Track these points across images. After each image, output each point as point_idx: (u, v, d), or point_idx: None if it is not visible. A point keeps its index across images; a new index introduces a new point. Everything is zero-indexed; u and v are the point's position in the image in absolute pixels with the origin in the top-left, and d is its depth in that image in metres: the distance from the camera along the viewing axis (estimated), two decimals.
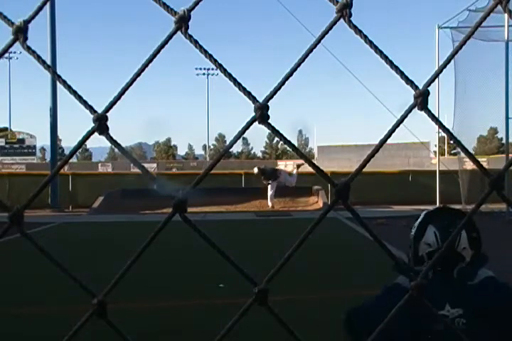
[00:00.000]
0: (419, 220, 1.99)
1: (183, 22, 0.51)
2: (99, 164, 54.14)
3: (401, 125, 0.53)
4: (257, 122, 0.52)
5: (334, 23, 0.51)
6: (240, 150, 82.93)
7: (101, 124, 0.51)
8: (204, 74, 69.99)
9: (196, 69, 69.94)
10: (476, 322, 1.86)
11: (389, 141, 0.55)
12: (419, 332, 1.87)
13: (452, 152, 42.30)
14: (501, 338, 1.88)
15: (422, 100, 0.52)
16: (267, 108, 0.51)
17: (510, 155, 12.26)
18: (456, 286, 1.92)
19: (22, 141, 45.94)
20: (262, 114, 0.51)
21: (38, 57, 0.52)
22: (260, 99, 0.52)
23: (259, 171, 15.82)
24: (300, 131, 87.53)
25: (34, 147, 47.08)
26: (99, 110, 0.52)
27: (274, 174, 15.78)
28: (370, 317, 1.94)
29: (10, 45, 0.52)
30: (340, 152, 40.67)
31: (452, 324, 1.81)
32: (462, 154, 12.99)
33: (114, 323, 0.54)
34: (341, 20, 0.51)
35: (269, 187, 15.61)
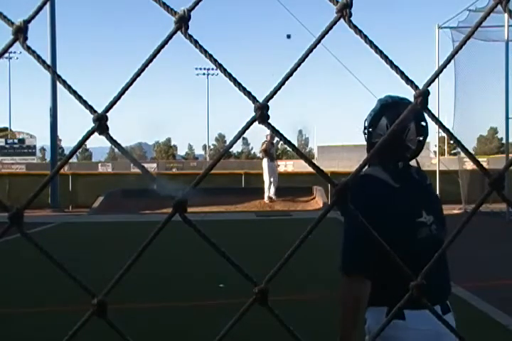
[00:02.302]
0: (375, 109, 2.10)
1: (183, 22, 0.51)
2: (99, 164, 54.12)
3: None
4: (257, 122, 0.52)
5: (334, 23, 0.51)
6: (240, 150, 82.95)
7: (101, 124, 0.51)
8: (204, 74, 70.08)
9: (196, 69, 70.07)
10: (440, 224, 2.03)
11: None
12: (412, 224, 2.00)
13: (452, 152, 42.27)
14: None
15: (422, 100, 0.52)
16: (267, 108, 0.51)
17: (510, 155, 12.25)
18: (417, 185, 2.08)
19: (22, 141, 45.94)
20: (262, 114, 0.51)
21: (38, 57, 0.52)
22: (260, 99, 0.52)
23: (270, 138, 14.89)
24: (300, 131, 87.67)
25: (34, 147, 47.10)
26: (99, 110, 0.52)
27: (274, 149, 15.17)
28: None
29: (10, 45, 0.52)
30: (341, 152, 40.70)
31: (431, 231, 1.99)
32: (462, 154, 12.98)
33: (114, 323, 0.54)
34: (341, 20, 0.51)
35: (266, 176, 15.04)
